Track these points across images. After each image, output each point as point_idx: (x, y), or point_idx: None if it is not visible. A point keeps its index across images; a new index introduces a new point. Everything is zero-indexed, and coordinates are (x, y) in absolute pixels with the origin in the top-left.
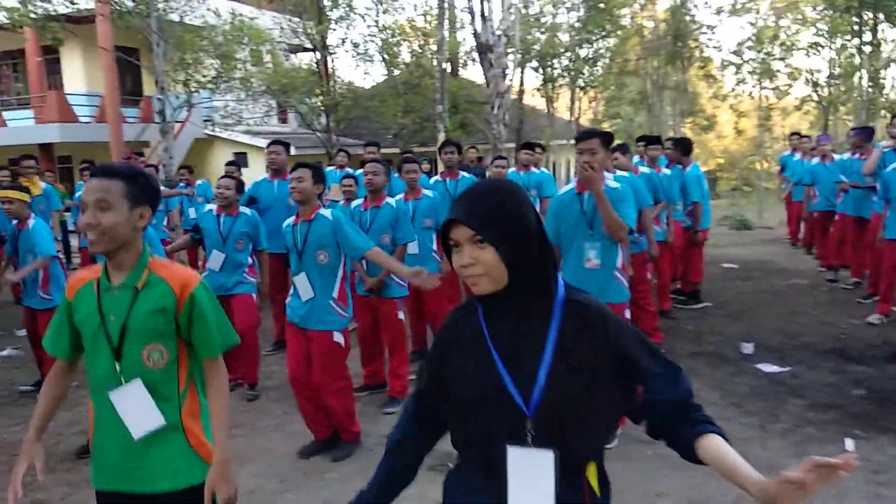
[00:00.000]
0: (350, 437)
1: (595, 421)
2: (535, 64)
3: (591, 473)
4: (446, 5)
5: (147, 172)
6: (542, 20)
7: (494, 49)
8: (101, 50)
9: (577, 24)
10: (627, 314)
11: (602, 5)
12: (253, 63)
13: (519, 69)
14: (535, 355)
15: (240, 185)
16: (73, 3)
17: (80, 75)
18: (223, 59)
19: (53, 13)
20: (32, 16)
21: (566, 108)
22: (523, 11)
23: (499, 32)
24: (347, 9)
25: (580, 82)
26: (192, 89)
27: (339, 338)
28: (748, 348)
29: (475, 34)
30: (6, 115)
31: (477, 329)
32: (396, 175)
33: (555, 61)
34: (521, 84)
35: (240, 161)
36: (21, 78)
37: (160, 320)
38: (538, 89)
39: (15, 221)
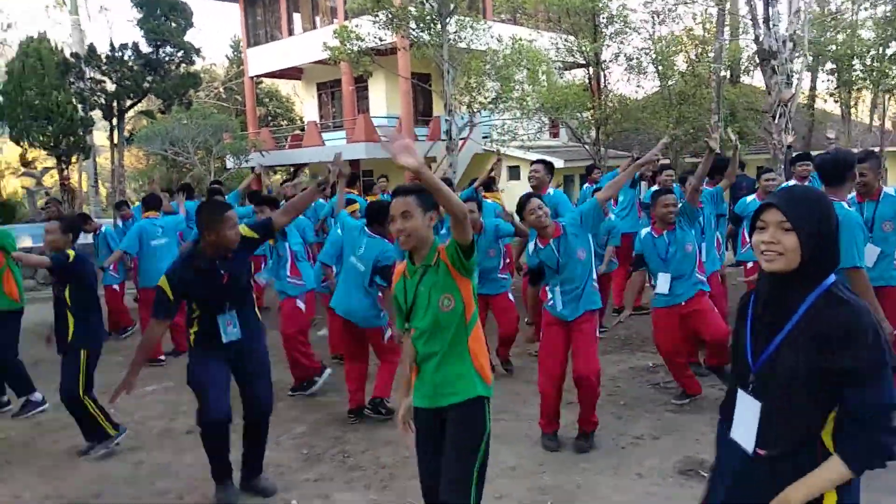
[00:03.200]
0: (590, 427)
1: (806, 395)
2: (830, 66)
3: (827, 435)
4: (727, 12)
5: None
6: (841, 17)
7: (778, 55)
8: (400, 78)
9: (882, 19)
10: None
11: None
12: (529, 83)
13: (809, 73)
14: (776, 328)
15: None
16: (381, 40)
17: (382, 100)
18: (503, 81)
19: (364, 49)
20: (349, 52)
21: (867, 111)
22: (817, 10)
23: (784, 37)
24: (622, 24)
25: (887, 83)
26: (475, 110)
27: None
28: None
29: (757, 40)
30: (325, 135)
31: (746, 304)
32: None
33: (854, 62)
34: (813, 88)
35: (513, 174)
36: (337, 104)
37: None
38: (831, 94)
39: None
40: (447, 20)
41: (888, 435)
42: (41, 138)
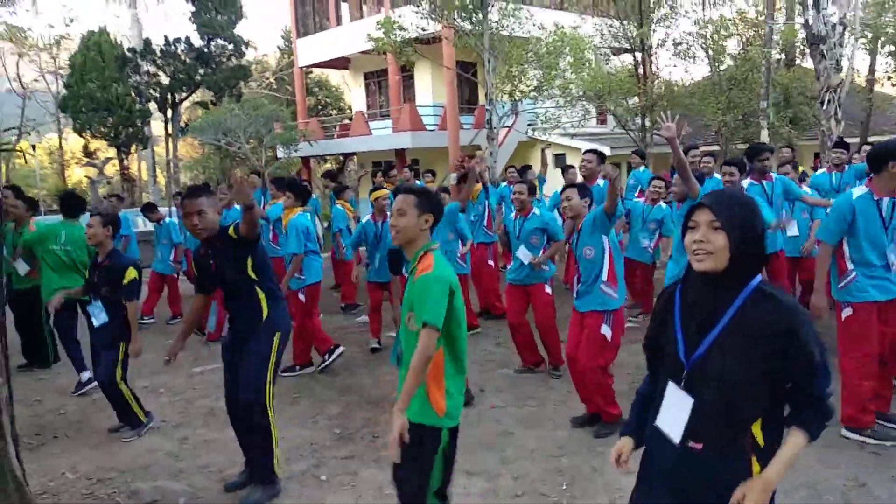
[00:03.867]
0: (608, 418)
1: (740, 392)
2: (890, 48)
3: (757, 427)
4: None
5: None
6: None
7: (827, 39)
8: (444, 67)
9: None
10: None
11: None
12: (572, 71)
13: (868, 56)
14: (707, 328)
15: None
16: (423, 30)
17: (427, 89)
18: (545, 69)
19: (407, 39)
20: (392, 43)
21: None
22: None
23: (834, 21)
24: (670, 8)
25: None
26: (517, 99)
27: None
28: None
29: (806, 24)
30: (371, 125)
31: (672, 299)
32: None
33: None
34: (871, 72)
35: (559, 161)
36: (384, 93)
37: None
38: (889, 77)
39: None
40: (488, 9)
41: (829, 405)
42: (102, 129)
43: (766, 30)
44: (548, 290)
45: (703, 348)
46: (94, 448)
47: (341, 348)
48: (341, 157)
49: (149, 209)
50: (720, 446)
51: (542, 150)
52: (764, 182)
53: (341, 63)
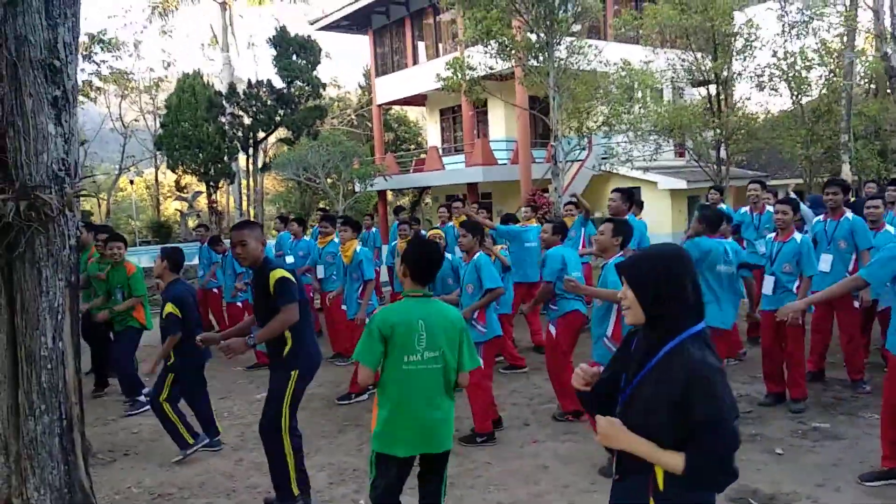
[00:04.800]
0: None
1: (651, 433)
2: None
3: (659, 471)
4: (859, 26)
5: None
6: None
7: None
8: (518, 101)
9: None
10: None
11: None
12: (642, 105)
13: None
14: (639, 369)
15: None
16: (491, 69)
17: (501, 124)
18: (612, 104)
19: (476, 78)
20: (461, 81)
21: None
22: None
23: None
24: (748, 40)
25: None
26: (584, 134)
27: None
28: None
29: (884, 56)
30: (445, 159)
31: (629, 342)
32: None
33: None
34: None
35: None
36: (458, 129)
37: None
38: None
39: None
40: (554, 47)
41: (718, 475)
42: (193, 166)
43: (846, 61)
44: (551, 329)
45: (630, 387)
46: (160, 466)
47: None
48: (416, 192)
49: (214, 242)
50: (630, 482)
51: (576, 196)
52: (828, 220)
53: (418, 100)
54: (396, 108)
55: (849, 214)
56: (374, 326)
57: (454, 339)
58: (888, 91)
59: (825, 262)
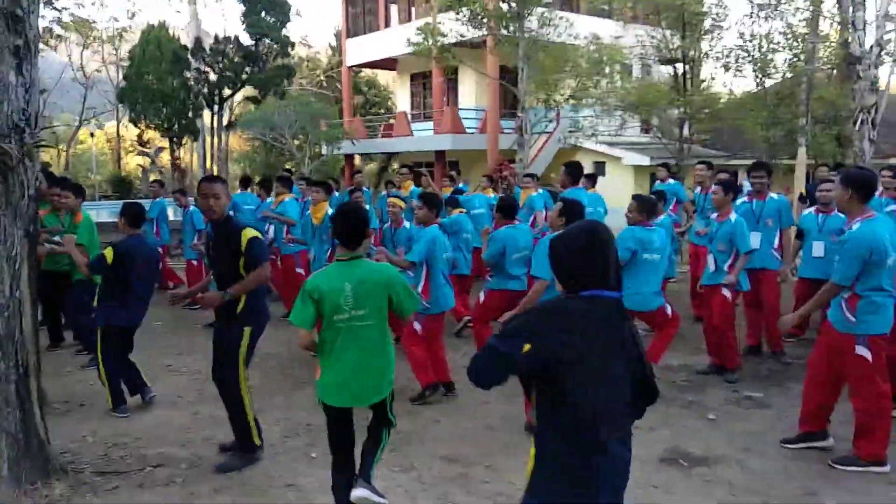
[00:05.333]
0: None
1: None
2: None
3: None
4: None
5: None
6: None
7: (863, 60)
8: (488, 70)
9: None
10: None
11: None
12: (608, 81)
13: None
14: None
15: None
16: (462, 36)
17: (471, 92)
18: (579, 79)
19: (446, 45)
20: (431, 48)
21: None
22: None
23: (870, 43)
24: (716, 20)
25: None
26: (551, 107)
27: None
28: None
29: (845, 43)
30: (414, 126)
31: None
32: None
33: None
34: None
35: (598, 169)
36: (429, 95)
37: None
38: None
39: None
40: (526, 18)
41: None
42: (156, 120)
43: (809, 46)
44: (481, 296)
45: None
46: (115, 417)
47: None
48: (385, 157)
49: (180, 193)
50: None
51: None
52: (755, 201)
53: (389, 64)
54: (367, 71)
55: (773, 194)
56: (305, 291)
57: (382, 294)
58: (846, 78)
59: (754, 239)
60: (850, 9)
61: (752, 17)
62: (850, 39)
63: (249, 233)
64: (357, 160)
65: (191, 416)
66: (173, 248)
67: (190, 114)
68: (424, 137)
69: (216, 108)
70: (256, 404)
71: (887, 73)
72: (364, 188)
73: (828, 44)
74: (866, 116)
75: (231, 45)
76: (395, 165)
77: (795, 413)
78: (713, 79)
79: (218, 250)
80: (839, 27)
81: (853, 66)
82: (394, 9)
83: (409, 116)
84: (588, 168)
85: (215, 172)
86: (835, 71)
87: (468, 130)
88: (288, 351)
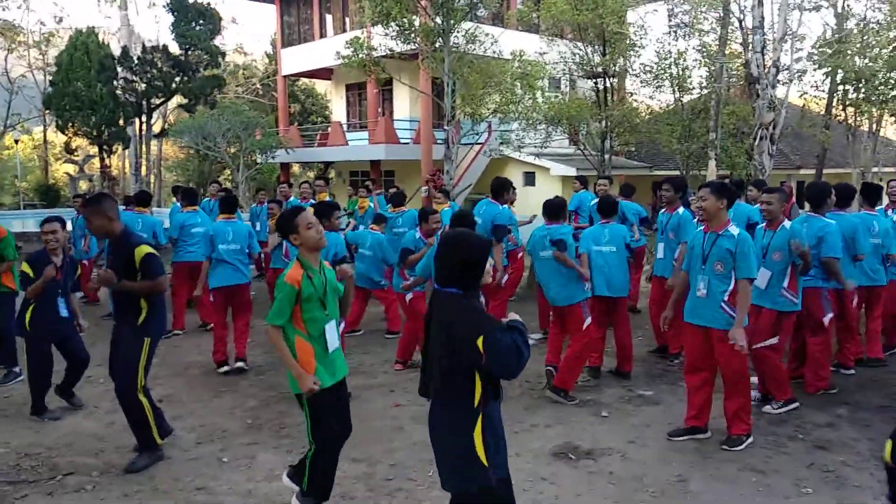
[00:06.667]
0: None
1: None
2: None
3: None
4: (729, 33)
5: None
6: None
7: (761, 80)
8: (421, 82)
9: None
10: None
11: None
12: (529, 96)
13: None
14: None
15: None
16: (391, 50)
17: (405, 103)
18: (503, 93)
19: (375, 58)
20: (360, 60)
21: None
22: (829, 37)
23: (768, 64)
24: (632, 39)
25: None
26: (477, 120)
27: None
28: None
29: (746, 64)
30: (349, 135)
31: None
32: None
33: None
34: (832, 106)
35: (528, 180)
36: (364, 105)
37: None
38: (844, 109)
39: None
40: (450, 35)
41: None
42: (84, 128)
43: (717, 66)
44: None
45: None
46: (29, 427)
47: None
48: (322, 166)
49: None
50: None
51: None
52: (662, 213)
53: (324, 74)
54: (305, 79)
55: (680, 210)
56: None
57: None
58: (749, 96)
59: (660, 250)
60: (751, 31)
61: (670, 34)
62: (748, 60)
63: (144, 249)
64: (296, 169)
65: (105, 425)
66: (99, 260)
67: (120, 122)
68: (359, 147)
69: (144, 117)
70: (174, 411)
71: (787, 90)
72: (290, 198)
73: (737, 63)
74: (765, 133)
75: (159, 55)
76: (332, 174)
77: (680, 408)
78: (632, 95)
79: (114, 267)
80: (742, 48)
81: (753, 86)
82: (328, 19)
83: (345, 126)
84: (519, 179)
85: (152, 181)
86: (748, 87)
87: (402, 141)
88: (209, 360)
